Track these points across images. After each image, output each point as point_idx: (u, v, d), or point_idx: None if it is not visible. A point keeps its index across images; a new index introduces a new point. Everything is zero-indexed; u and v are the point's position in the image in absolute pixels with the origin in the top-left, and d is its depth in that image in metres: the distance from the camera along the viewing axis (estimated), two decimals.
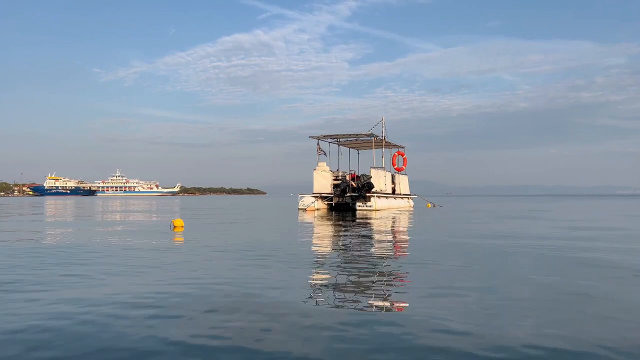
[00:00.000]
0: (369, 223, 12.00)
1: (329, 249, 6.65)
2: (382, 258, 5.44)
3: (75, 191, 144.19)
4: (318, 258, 5.52)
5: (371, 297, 3.42)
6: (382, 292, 3.61)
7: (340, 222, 12.50)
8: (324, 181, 21.88)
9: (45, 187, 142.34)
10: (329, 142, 23.85)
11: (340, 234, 9.01)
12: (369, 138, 22.47)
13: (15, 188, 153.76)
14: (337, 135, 22.52)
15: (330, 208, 21.69)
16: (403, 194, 25.77)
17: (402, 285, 3.93)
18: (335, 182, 21.90)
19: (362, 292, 3.61)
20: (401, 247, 6.78)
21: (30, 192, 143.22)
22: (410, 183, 27.82)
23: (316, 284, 3.94)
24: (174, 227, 10.50)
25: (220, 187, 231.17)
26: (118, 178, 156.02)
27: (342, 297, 3.45)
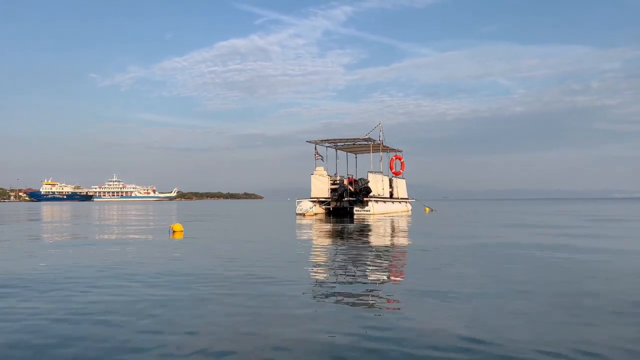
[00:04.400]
0: (362, 232, 12.01)
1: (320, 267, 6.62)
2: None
3: (72, 196, 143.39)
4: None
5: None
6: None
7: (331, 235, 12.48)
8: (321, 186, 21.84)
9: (42, 193, 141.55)
10: (327, 147, 23.81)
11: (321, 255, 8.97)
12: (366, 142, 22.46)
13: (12, 193, 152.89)
14: (335, 139, 22.51)
15: (329, 213, 21.65)
16: (401, 198, 25.71)
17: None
18: (333, 186, 21.86)
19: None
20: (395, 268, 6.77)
21: (27, 198, 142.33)
22: (408, 187, 27.73)
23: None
24: (173, 232, 10.50)
25: (217, 191, 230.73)
26: (115, 183, 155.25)
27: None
